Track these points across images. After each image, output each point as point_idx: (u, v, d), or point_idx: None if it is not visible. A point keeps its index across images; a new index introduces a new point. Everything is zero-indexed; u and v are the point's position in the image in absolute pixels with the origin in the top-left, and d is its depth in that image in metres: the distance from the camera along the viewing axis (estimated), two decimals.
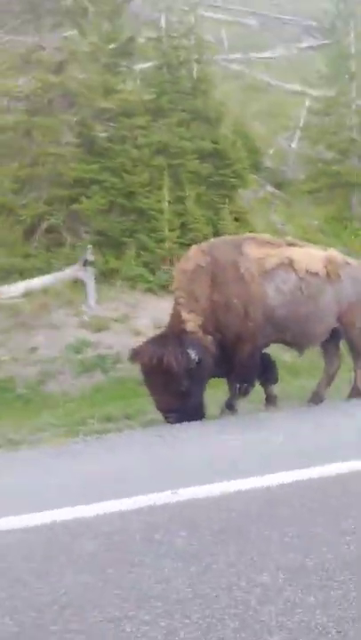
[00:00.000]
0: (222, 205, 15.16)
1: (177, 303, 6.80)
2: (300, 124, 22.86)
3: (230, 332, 6.81)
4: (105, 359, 11.84)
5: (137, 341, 12.74)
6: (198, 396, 6.70)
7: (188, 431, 5.87)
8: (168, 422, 6.60)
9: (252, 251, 6.97)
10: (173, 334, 6.65)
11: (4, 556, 3.60)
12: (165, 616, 2.97)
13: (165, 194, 14.63)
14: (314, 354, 9.46)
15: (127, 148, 14.86)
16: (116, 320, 13.07)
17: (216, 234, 15.11)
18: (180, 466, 4.76)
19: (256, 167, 19.21)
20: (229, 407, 7.02)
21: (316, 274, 7.20)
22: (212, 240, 7.53)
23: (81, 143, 15.22)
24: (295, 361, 10.38)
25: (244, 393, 7.03)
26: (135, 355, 6.75)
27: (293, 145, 22.45)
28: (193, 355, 6.40)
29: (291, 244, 7.43)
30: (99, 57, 15.09)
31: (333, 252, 7.71)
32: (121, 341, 12.69)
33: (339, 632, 2.72)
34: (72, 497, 4.29)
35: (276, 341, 7.36)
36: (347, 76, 18.70)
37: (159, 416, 7.03)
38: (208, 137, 15.71)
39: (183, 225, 14.90)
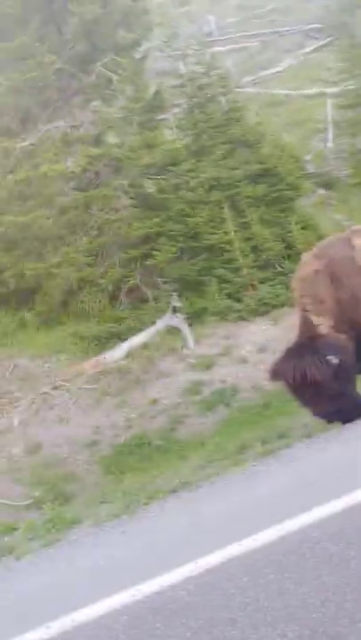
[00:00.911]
0: (286, 219, 15.41)
1: (303, 310, 6.97)
2: (330, 123, 23.09)
3: None
4: (223, 393, 12.11)
5: (246, 368, 13.15)
6: (352, 392, 6.82)
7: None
8: (330, 423, 6.76)
9: None
10: (307, 341, 6.82)
11: (259, 570, 3.83)
12: None
13: (230, 225, 14.99)
14: None
15: (182, 194, 15.36)
16: (220, 354, 13.36)
17: (288, 247, 15.37)
18: None
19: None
20: None
21: None
22: (321, 242, 7.72)
23: (137, 204, 15.83)
24: None
25: None
26: (276, 374, 6.92)
27: (329, 145, 22.65)
28: (333, 359, 6.54)
29: None
30: (132, 118, 15.77)
31: None
32: (231, 373, 13.00)
33: None
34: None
35: None
36: None
37: (316, 430, 7.17)
38: (253, 160, 16.09)
39: (255, 248, 15.19)
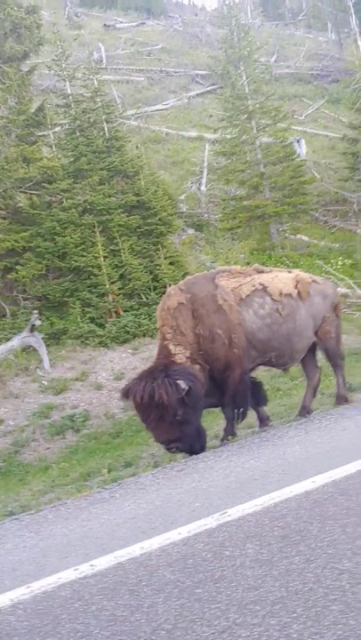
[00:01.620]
0: (156, 253, 15.66)
1: (164, 339, 7.07)
2: (205, 168, 23.96)
3: (218, 361, 7.13)
4: (74, 419, 11.88)
5: (100, 395, 13.03)
6: (195, 422, 6.92)
7: (208, 462, 6.07)
8: (171, 452, 6.80)
9: (226, 282, 7.40)
10: (161, 367, 6.87)
11: (92, 597, 3.70)
12: None
13: (100, 250, 14.97)
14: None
15: (54, 212, 15.17)
16: (75, 379, 13.15)
17: (155, 280, 15.60)
18: (227, 487, 5.01)
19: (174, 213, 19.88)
20: (231, 433, 7.27)
21: (290, 295, 7.66)
22: (188, 278, 7.87)
23: (6, 215, 15.42)
24: None
25: (242, 417, 7.33)
26: (126, 393, 6.87)
27: (203, 188, 23.45)
28: (182, 384, 6.62)
29: (260, 272, 7.90)
30: (11, 130, 15.43)
31: (300, 273, 8.20)
32: (85, 398, 12.81)
33: None
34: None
35: (261, 364, 7.73)
36: (245, 116, 19.79)
37: (162, 461, 7.18)
38: (130, 191, 16.26)
39: (122, 276, 15.25)
